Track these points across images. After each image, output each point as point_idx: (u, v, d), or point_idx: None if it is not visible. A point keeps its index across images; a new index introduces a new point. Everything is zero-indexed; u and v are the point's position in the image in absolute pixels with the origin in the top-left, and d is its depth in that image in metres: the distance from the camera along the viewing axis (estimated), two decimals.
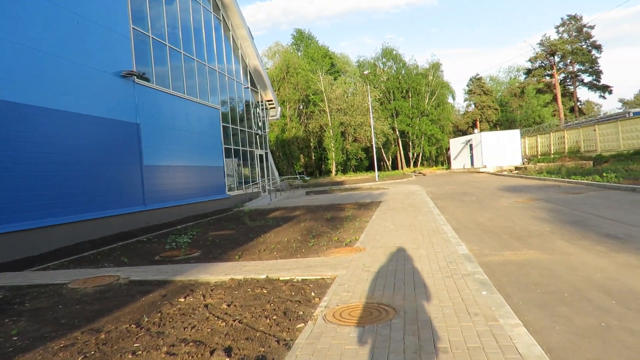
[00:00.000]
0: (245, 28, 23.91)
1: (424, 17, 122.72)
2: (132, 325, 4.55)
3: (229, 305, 5.04)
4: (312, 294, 5.31)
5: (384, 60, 67.23)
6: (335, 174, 50.63)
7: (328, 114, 50.79)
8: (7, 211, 9.35)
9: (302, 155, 61.27)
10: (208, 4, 20.99)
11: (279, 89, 52.11)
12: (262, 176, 26.71)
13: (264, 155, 27.16)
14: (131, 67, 14.16)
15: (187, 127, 17.71)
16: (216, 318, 4.63)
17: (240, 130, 23.75)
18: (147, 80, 15.20)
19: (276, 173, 29.93)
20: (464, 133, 64.73)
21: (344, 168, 55.09)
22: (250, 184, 24.06)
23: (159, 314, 4.90)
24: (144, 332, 4.33)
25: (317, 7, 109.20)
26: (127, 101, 13.89)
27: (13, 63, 9.78)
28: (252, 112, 25.76)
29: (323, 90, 50.69)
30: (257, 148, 26.06)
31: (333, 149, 49.94)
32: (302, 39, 63.98)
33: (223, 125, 21.49)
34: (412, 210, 13.82)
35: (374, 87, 58.16)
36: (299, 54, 61.62)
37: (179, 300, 5.43)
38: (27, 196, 9.86)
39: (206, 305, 5.10)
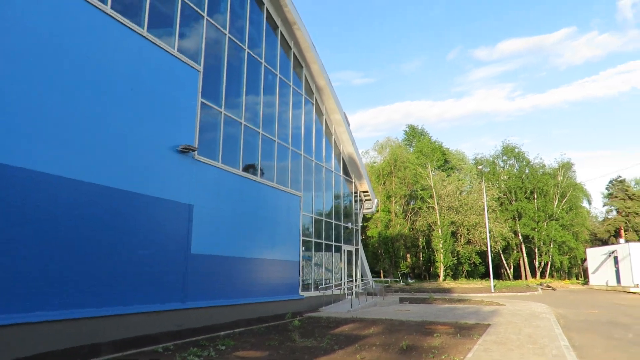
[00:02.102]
0: (341, 113, 22.39)
1: (551, 119, 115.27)
2: None
3: None
4: None
5: (504, 158, 62.05)
6: (444, 279, 44.73)
7: (437, 211, 46.45)
8: None
9: (408, 255, 56.41)
10: (299, 85, 19.95)
11: (384, 183, 49.80)
12: (350, 276, 23.31)
13: (354, 252, 23.97)
14: (192, 142, 12.72)
15: (255, 213, 15.63)
16: None
17: (326, 221, 21.19)
18: (211, 158, 13.66)
19: (368, 273, 26.27)
20: (604, 243, 54.51)
21: (455, 273, 48.80)
22: (333, 284, 20.80)
23: None
24: None
25: (438, 110, 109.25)
26: (179, 178, 12.25)
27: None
28: (342, 202, 23.27)
29: (432, 185, 47.05)
30: (345, 243, 23.08)
31: (442, 250, 44.72)
32: (414, 134, 62.36)
33: (304, 215, 19.15)
34: (533, 348, 9.31)
35: (492, 185, 52.84)
36: (410, 149, 59.63)
37: None
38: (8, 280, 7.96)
39: None
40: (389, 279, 45.27)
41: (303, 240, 18.85)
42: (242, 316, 14.27)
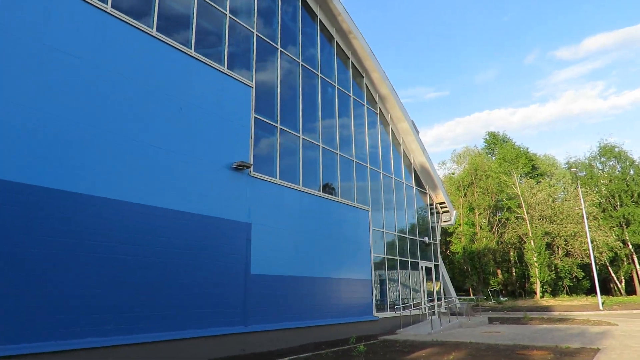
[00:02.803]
0: (408, 121, 21.15)
1: None
2: None
3: None
4: None
5: (602, 159, 55.88)
6: (541, 296, 40.51)
7: (527, 221, 42.55)
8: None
9: (499, 271, 52.22)
10: (360, 95, 19.10)
11: (465, 195, 46.86)
12: (430, 294, 21.56)
13: (433, 268, 22.22)
14: (247, 159, 12.33)
15: (319, 230, 14.85)
16: None
17: (400, 236, 19.84)
18: (268, 174, 13.18)
19: (452, 291, 24.22)
20: None
21: (554, 289, 44.04)
22: (411, 304, 19.26)
23: None
24: None
25: (521, 117, 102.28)
26: (236, 197, 11.86)
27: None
28: (416, 215, 21.77)
29: (520, 193, 43.31)
30: (423, 259, 21.47)
31: (536, 264, 40.67)
32: (496, 142, 58.34)
33: (375, 230, 18.02)
34: None
35: (591, 190, 47.57)
36: (493, 158, 55.79)
37: None
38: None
39: None
40: (477, 297, 42.04)
41: (375, 257, 17.67)
42: (309, 340, 13.38)
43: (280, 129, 13.98)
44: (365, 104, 19.26)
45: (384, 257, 18.34)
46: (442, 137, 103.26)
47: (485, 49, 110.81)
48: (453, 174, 51.52)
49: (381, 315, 17.12)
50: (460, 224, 46.76)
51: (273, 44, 14.46)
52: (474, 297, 38.45)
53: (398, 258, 19.31)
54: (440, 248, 55.49)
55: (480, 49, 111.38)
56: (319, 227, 14.85)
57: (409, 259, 20.18)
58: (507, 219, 46.14)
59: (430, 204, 23.49)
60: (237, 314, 11.33)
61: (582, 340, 13.25)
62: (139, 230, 9.33)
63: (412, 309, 18.80)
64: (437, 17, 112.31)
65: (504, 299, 40.91)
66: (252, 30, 13.59)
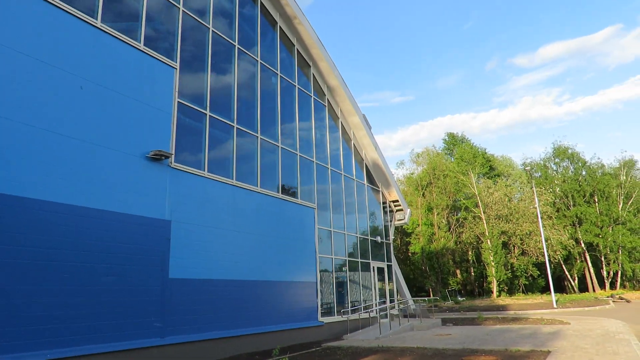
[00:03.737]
0: (359, 115, 20.15)
1: (605, 121, 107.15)
2: None
3: None
4: None
5: (556, 160, 57.14)
6: (498, 295, 40.56)
7: (484, 221, 42.62)
8: None
9: (458, 271, 52.27)
10: (307, 85, 17.94)
11: (423, 195, 46.58)
12: (383, 296, 20.60)
13: (386, 269, 21.28)
14: (167, 148, 10.90)
15: (258, 229, 13.55)
16: None
17: (349, 235, 18.76)
18: (194, 167, 11.77)
19: (406, 292, 23.40)
20: None
21: (510, 288, 44.31)
22: (361, 306, 18.20)
23: None
24: None
25: (482, 121, 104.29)
26: (152, 190, 10.40)
27: None
28: (367, 213, 20.78)
29: (477, 193, 43.35)
30: (375, 259, 20.49)
31: (493, 263, 40.71)
32: (454, 143, 58.57)
33: (321, 229, 16.87)
34: None
35: (546, 190, 48.29)
36: (452, 159, 55.92)
37: None
38: None
39: None
40: (435, 298, 41.65)
41: (322, 258, 16.53)
42: (243, 349, 12.04)
43: (210, 116, 12.58)
44: (312, 95, 18.10)
45: (332, 258, 17.20)
46: (406, 140, 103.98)
47: (449, 55, 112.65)
48: (412, 174, 51.22)
49: (328, 320, 15.96)
50: (418, 224, 46.43)
51: (204, 23, 13.06)
52: (432, 298, 38.01)
53: (347, 259, 18.22)
54: (400, 249, 55.31)
55: (444, 55, 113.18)
56: (257, 226, 13.54)
57: (360, 260, 19.14)
58: (465, 219, 46.16)
59: (384, 202, 22.59)
60: (152, 325, 9.87)
61: (534, 341, 12.52)
62: (25, 228, 7.78)
63: (362, 312, 17.74)
64: (402, 23, 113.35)
65: (462, 298, 40.71)
66: (177, 5, 12.16)
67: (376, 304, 19.27)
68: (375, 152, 21.08)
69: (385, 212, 22.65)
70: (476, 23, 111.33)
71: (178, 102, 11.52)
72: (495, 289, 41.35)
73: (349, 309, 17.39)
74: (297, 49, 17.50)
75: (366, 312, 17.93)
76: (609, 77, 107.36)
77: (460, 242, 46.63)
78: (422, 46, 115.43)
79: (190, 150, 12.02)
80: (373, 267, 20.11)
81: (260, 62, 15.28)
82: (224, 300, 11.89)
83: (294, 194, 15.67)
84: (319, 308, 15.67)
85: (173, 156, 11.01)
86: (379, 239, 21.01)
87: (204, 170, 12.01)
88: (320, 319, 15.61)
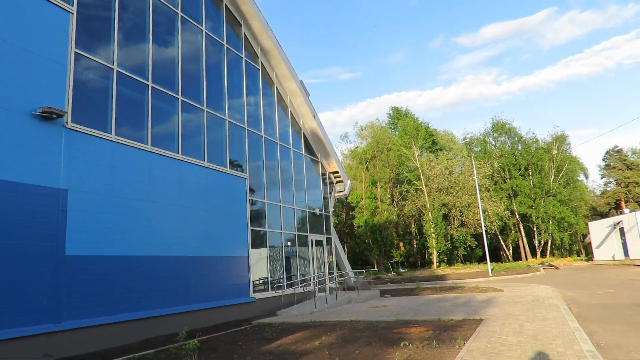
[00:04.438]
0: (296, 82, 19.02)
1: (538, 100, 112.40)
2: None
3: None
4: None
5: (495, 135, 58.95)
6: (438, 266, 41.58)
7: (426, 194, 43.22)
8: None
9: (401, 243, 53.23)
10: (238, 45, 16.52)
11: (367, 168, 46.48)
12: (321, 269, 20.02)
13: (324, 242, 20.67)
14: (61, 106, 9.35)
15: (180, 200, 12.30)
16: None
17: (285, 207, 17.85)
18: (98, 128, 10.28)
19: (346, 265, 23.00)
20: (604, 216, 51.63)
21: (450, 258, 45.64)
22: (297, 281, 17.50)
23: None
24: None
25: (427, 99, 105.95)
26: (41, 154, 8.89)
27: None
28: (305, 184, 19.92)
29: (419, 166, 43.76)
30: (313, 232, 19.78)
31: (433, 235, 41.52)
32: (399, 117, 58.78)
33: (254, 200, 15.83)
34: (543, 350, 6.07)
35: (484, 163, 49.65)
36: (396, 133, 56.17)
37: None
38: None
39: None
40: (378, 270, 42.11)
41: (254, 230, 15.54)
42: (161, 331, 10.94)
43: (117, 72, 11.03)
44: (243, 56, 16.71)
45: (266, 231, 16.25)
46: (355, 117, 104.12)
47: (396, 32, 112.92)
48: (357, 148, 50.92)
49: (261, 296, 15.11)
50: (362, 198, 46.44)
51: None
52: (370, 270, 38.30)
53: (282, 232, 17.35)
54: (345, 223, 55.43)
55: (391, 32, 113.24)
56: (179, 197, 12.28)
57: (296, 232, 18.34)
58: (407, 192, 46.68)
59: (323, 174, 21.82)
60: (44, 309, 8.53)
61: (467, 310, 12.31)
62: None
63: (299, 286, 17.04)
64: None
65: (404, 270, 41.37)
66: None
67: (314, 278, 18.65)
68: (314, 121, 20.12)
69: (325, 184, 21.90)
70: (421, 0, 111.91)
71: (75, 52, 9.92)
72: (435, 259, 42.34)
73: (284, 283, 16.63)
74: (226, 4, 15.98)
75: (303, 287, 17.25)
76: (544, 58, 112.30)
77: (403, 215, 47.22)
78: (370, 21, 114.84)
79: (95, 111, 10.50)
80: (311, 240, 19.41)
81: (181, 15, 13.71)
82: (140, 278, 10.68)
83: (222, 163, 14.45)
84: (251, 284, 14.76)
85: (69, 115, 9.49)
86: (317, 211, 20.27)
87: (111, 134, 10.54)
88: (252, 295, 14.73)
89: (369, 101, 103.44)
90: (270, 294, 15.59)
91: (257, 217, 16.04)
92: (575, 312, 11.32)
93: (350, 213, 50.62)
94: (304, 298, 16.95)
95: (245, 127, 16.07)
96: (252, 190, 15.90)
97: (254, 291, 14.99)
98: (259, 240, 15.91)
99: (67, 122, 9.42)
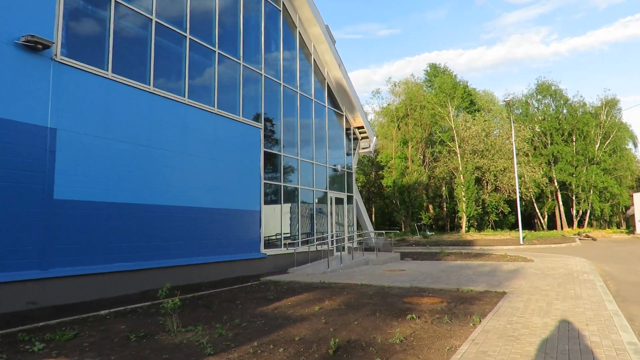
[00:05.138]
0: (321, 27, 17.55)
1: (590, 63, 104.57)
2: None
3: None
4: None
5: (539, 97, 55.41)
6: (467, 231, 40.23)
7: (459, 155, 41.30)
8: None
9: (431, 206, 51.87)
10: None
11: (399, 127, 44.69)
12: (340, 228, 19.23)
13: (345, 200, 19.75)
14: (50, 36, 8.51)
15: (185, 147, 11.51)
16: None
17: (303, 162, 16.91)
18: (92, 64, 9.43)
19: (368, 225, 22.14)
20: None
21: (480, 224, 44.09)
22: (314, 238, 16.79)
23: None
24: None
25: (468, 58, 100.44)
26: (25, 89, 8.15)
27: None
28: (326, 139, 18.83)
29: (453, 126, 41.64)
30: (333, 189, 18.87)
31: (464, 198, 39.94)
32: (436, 74, 55.77)
33: (269, 153, 14.94)
34: (571, 351, 5.00)
35: (525, 126, 46.79)
36: (432, 92, 53.46)
37: None
38: None
39: None
40: (405, 231, 41.22)
41: (268, 184, 14.74)
42: (160, 284, 10.46)
43: (116, 2, 10.05)
44: None
45: (281, 185, 15.43)
46: (392, 76, 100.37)
47: None
48: (389, 105, 48.86)
49: (273, 252, 14.49)
50: (392, 157, 44.96)
51: None
52: (399, 232, 37.39)
53: (300, 187, 16.49)
54: (374, 182, 54.26)
55: None
56: (182, 143, 11.49)
57: (314, 189, 17.45)
58: (440, 153, 44.82)
59: (347, 129, 20.59)
60: (30, 255, 8.05)
61: (490, 281, 11.25)
62: None
63: (314, 244, 16.33)
64: None
65: (431, 233, 40.32)
66: None
67: (331, 237, 17.90)
68: (339, 71, 18.73)
69: (349, 140, 20.73)
70: None
71: None
72: (464, 224, 40.96)
73: (299, 240, 15.94)
74: None
75: (319, 245, 16.53)
76: (599, 17, 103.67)
77: (433, 177, 45.62)
78: None
79: (90, 45, 9.63)
80: (331, 198, 18.53)
81: None
82: (138, 227, 10.10)
83: (234, 111, 13.50)
84: (262, 240, 14.11)
85: (58, 47, 8.65)
86: (339, 167, 19.24)
87: (108, 71, 9.69)
88: (264, 251, 14.11)
89: (408, 59, 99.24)
90: (282, 250, 14.95)
91: (273, 170, 15.19)
92: (614, 290, 10.09)
93: (379, 172, 49.33)
94: (319, 257, 16.27)
95: (262, 73, 14.94)
96: (267, 142, 14.99)
97: (266, 247, 14.36)
98: (273, 195, 15.14)
99: (55, 55, 8.60)
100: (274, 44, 16.04)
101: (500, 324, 6.42)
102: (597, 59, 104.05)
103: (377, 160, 48.53)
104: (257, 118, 14.55)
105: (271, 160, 15.14)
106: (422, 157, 46.85)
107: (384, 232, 21.59)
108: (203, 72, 12.64)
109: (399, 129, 45.15)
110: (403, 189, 43.46)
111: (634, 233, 38.77)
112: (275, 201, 15.22)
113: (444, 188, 47.54)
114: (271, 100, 15.43)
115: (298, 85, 17.02)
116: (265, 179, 14.58)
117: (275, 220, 15.10)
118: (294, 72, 17.00)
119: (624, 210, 56.12)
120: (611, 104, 51.97)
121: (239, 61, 13.85)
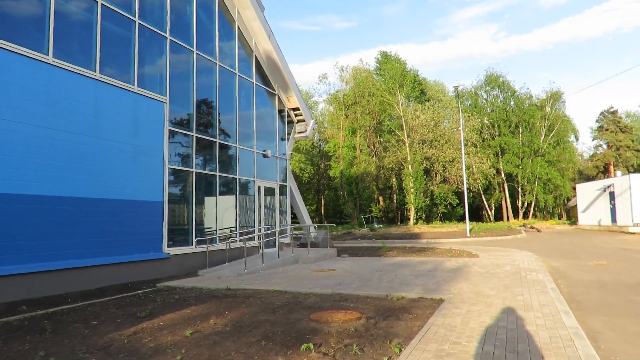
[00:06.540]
0: None
1: (535, 61, 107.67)
2: None
3: None
4: None
5: (487, 88, 55.45)
6: (415, 223, 39.19)
7: (407, 145, 40.13)
8: None
9: (381, 198, 50.69)
10: None
11: (347, 115, 43.00)
12: (270, 222, 17.10)
13: (277, 190, 17.62)
14: None
15: (48, 122, 8.96)
16: None
17: (223, 145, 14.61)
18: None
19: (306, 219, 20.14)
20: (590, 180, 49.50)
21: (428, 215, 43.31)
22: (237, 234, 14.57)
23: None
24: None
25: (421, 54, 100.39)
26: None
27: None
28: (254, 120, 16.58)
29: (402, 114, 40.37)
30: (261, 177, 16.68)
31: (412, 190, 38.82)
32: (387, 62, 54.41)
33: (177, 132, 12.55)
34: None
35: (474, 117, 46.35)
36: (383, 80, 52.04)
37: None
38: None
39: None
40: (350, 224, 39.71)
41: (174, 170, 12.36)
42: (13, 297, 7.95)
43: None
44: None
45: (192, 172, 13.07)
46: (348, 68, 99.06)
47: None
48: (337, 92, 47.00)
49: (179, 251, 12.16)
50: (340, 147, 43.24)
51: None
52: (346, 225, 35.72)
53: (218, 174, 14.19)
54: (323, 173, 52.47)
55: None
56: (45, 116, 8.93)
57: (238, 176, 15.20)
58: (388, 142, 43.56)
59: (281, 110, 18.40)
60: None
61: (428, 283, 9.50)
62: None
63: (236, 241, 14.11)
64: None
65: (378, 226, 38.94)
66: None
67: (258, 231, 15.73)
68: (269, 43, 16.47)
69: (282, 122, 18.57)
70: None
71: None
72: (412, 216, 39.90)
73: (216, 237, 13.68)
74: None
75: (242, 241, 14.32)
76: (544, 16, 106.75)
77: (383, 167, 44.32)
78: None
79: None
80: (258, 187, 16.33)
81: None
82: None
83: (127, 80, 11.00)
84: (165, 236, 11.75)
85: None
86: (269, 152, 17.03)
87: None
88: (167, 250, 11.75)
89: (363, 52, 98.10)
90: (191, 249, 12.63)
91: (182, 153, 12.81)
92: (567, 293, 8.57)
93: (328, 163, 47.56)
94: (241, 255, 14.08)
95: (167, 36, 12.46)
96: (176, 120, 12.58)
97: (172, 245, 12.01)
98: (182, 183, 12.77)
99: None
100: (188, 4, 13.57)
101: (426, 357, 4.52)
102: (542, 56, 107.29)
103: (324, 149, 46.71)
104: (160, 90, 12.09)
105: (181, 142, 12.75)
106: (371, 147, 45.44)
107: (327, 225, 19.68)
108: (86, 34, 10.05)
109: (347, 117, 43.43)
110: (351, 179, 41.87)
111: (576, 224, 39.11)
112: (183, 189, 12.87)
113: (393, 179, 46.43)
114: (181, 70, 12.99)
115: (217, 55, 14.63)
116: (171, 163, 12.19)
117: (183, 212, 12.76)
118: (213, 40, 14.59)
119: (565, 201, 57.39)
120: (555, 97, 52.69)
121: (133, 18, 11.32)
